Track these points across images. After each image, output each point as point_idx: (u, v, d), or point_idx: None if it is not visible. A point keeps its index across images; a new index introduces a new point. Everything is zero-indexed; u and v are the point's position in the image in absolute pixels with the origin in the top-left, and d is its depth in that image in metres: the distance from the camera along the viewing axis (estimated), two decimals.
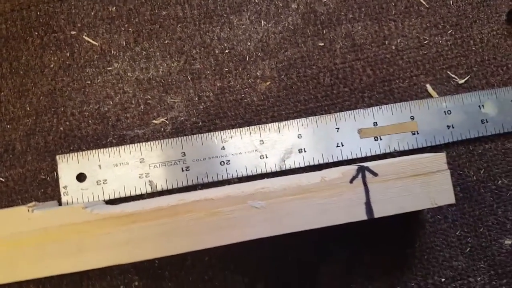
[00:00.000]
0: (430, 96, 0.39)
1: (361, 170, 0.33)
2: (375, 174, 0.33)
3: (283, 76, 0.38)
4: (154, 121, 0.37)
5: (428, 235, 0.37)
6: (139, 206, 0.32)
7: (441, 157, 0.33)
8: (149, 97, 0.37)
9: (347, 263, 0.37)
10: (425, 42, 0.39)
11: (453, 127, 0.38)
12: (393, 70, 0.39)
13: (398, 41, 0.39)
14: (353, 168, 0.33)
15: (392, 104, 0.38)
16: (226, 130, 0.37)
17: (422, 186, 0.33)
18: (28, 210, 0.31)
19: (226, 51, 0.38)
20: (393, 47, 0.39)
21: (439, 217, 0.38)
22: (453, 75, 0.39)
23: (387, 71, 0.39)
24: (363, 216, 0.32)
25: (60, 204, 0.36)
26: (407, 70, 0.39)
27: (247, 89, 0.38)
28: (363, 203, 0.32)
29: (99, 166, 0.36)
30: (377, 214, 0.32)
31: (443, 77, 0.39)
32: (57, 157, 0.36)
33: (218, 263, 0.36)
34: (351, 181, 0.32)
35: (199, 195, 0.32)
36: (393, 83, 0.39)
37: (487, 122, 0.38)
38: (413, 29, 0.39)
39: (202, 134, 0.37)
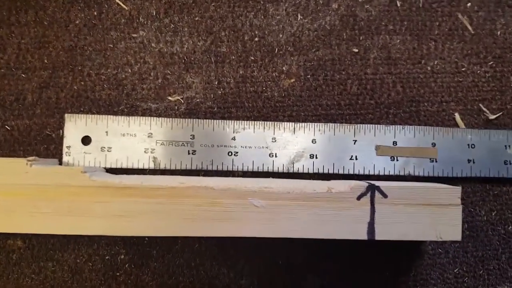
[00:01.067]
0: (456, 125, 0.37)
1: (371, 189, 0.31)
2: (385, 196, 0.31)
3: (309, 76, 0.37)
4: (169, 98, 0.36)
5: (425, 267, 0.36)
6: (138, 181, 0.31)
7: (457, 191, 0.32)
8: (168, 72, 0.36)
9: (337, 277, 0.36)
10: (463, 69, 0.37)
11: (473, 162, 0.36)
12: (423, 91, 0.37)
13: (435, 63, 0.37)
14: (363, 184, 0.31)
15: (415, 126, 0.37)
16: (240, 121, 0.36)
17: (430, 217, 0.31)
18: (27, 164, 0.31)
19: (256, 39, 0.37)
20: (429, 68, 0.37)
21: (440, 250, 0.36)
22: (484, 109, 0.37)
23: (417, 91, 0.37)
24: (363, 236, 0.31)
25: (60, 163, 0.35)
26: (438, 95, 0.37)
27: (269, 82, 0.37)
28: (366, 222, 0.31)
29: (106, 132, 0.35)
30: (379, 236, 0.31)
31: (474, 109, 0.37)
32: (66, 115, 0.35)
33: (207, 252, 0.35)
34: (358, 198, 0.31)
35: (200, 182, 0.31)
36: (421, 104, 0.37)
37: (510, 164, 0.36)
38: (453, 53, 0.38)
39: (215, 120, 0.36)
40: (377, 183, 0.32)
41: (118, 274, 0.35)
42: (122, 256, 0.35)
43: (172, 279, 0.35)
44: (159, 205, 0.30)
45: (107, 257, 0.35)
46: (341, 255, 0.36)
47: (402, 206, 0.31)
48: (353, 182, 0.32)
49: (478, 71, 0.38)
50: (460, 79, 0.37)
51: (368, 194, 0.31)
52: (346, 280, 0.36)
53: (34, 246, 0.35)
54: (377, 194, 0.31)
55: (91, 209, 0.30)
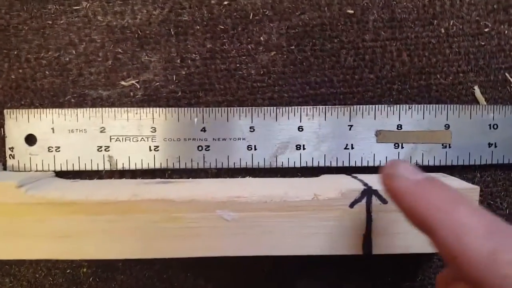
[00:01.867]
0: (475, 101, 0.30)
1: (367, 194, 0.26)
2: (384, 201, 0.26)
3: (293, 47, 0.30)
4: (123, 83, 0.30)
5: (434, 270, 0.31)
6: (82, 195, 0.26)
7: (474, 192, 0.26)
8: (120, 50, 0.30)
9: (332, 285, 0.31)
10: (486, 30, 0.30)
11: (495, 146, 0.30)
12: (436, 60, 0.30)
13: (450, 24, 0.30)
14: (357, 189, 0.26)
15: (425, 105, 0.30)
16: (210, 108, 0.30)
17: None
18: None
19: (225, 2, 0.30)
20: (442, 30, 0.30)
21: None
22: (511, 79, 0.30)
23: (428, 60, 0.30)
24: (358, 251, 0.26)
25: (5, 168, 0.30)
26: (454, 64, 0.30)
27: (244, 57, 0.30)
28: (361, 235, 0.26)
29: (52, 129, 0.29)
30: (376, 250, 0.26)
31: (499, 80, 0.30)
32: (5, 111, 0.29)
33: (180, 263, 0.31)
34: (351, 205, 0.26)
35: (157, 193, 0.26)
36: (432, 77, 0.30)
37: None
38: (473, 10, 0.30)
39: (180, 108, 0.30)
40: (375, 185, 0.26)
41: None
42: (85, 269, 0.31)
43: None
44: (108, 223, 0.25)
45: (68, 271, 0.31)
46: (335, 258, 0.31)
47: None
48: (345, 186, 0.26)
49: (506, 32, 0.30)
50: (482, 43, 0.30)
51: (363, 201, 0.26)
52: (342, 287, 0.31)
53: None
54: (374, 199, 0.26)
55: (32, 230, 0.26)
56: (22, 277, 0.31)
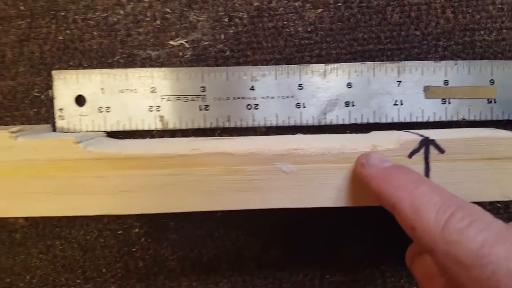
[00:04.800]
0: None
1: (425, 144, 0.26)
2: (441, 151, 0.26)
3: (340, 4, 0.30)
4: (172, 42, 0.30)
5: None
6: (141, 149, 0.26)
7: None
8: (168, 10, 0.30)
9: (372, 245, 0.32)
10: None
11: None
12: (480, 17, 0.30)
13: None
14: (415, 139, 0.26)
15: (470, 61, 0.30)
16: (259, 66, 0.30)
17: (494, 173, 0.26)
18: (11, 136, 0.26)
19: None
20: None
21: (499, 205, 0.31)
22: None
23: (471, 17, 0.30)
24: None
25: (54, 129, 0.30)
26: (497, 20, 0.30)
27: (291, 14, 0.30)
28: None
29: (102, 89, 0.30)
30: None
31: None
32: (53, 72, 0.30)
33: (231, 221, 0.31)
34: (410, 156, 0.26)
35: (216, 147, 0.26)
36: (476, 33, 0.30)
37: None
38: None
39: (228, 68, 0.30)
40: (431, 135, 0.26)
41: (134, 249, 0.31)
42: (137, 230, 0.31)
43: (195, 252, 0.31)
44: (168, 177, 0.26)
45: (119, 232, 0.31)
46: (375, 222, 0.31)
47: (462, 162, 0.26)
48: (403, 137, 0.26)
49: None
50: None
51: (422, 151, 0.26)
52: (381, 249, 0.32)
53: (38, 223, 0.31)
54: (432, 149, 0.26)
55: (90, 186, 0.26)
56: (72, 239, 0.32)
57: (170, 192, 0.26)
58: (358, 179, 0.25)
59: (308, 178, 0.26)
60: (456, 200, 0.20)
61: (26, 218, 0.32)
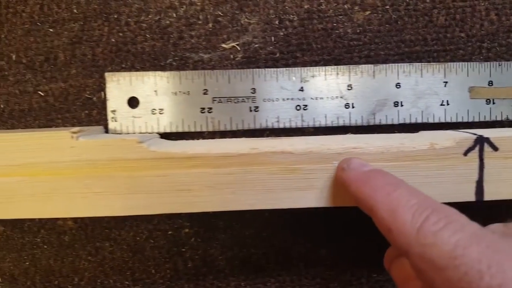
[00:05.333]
0: None
1: (480, 142, 0.26)
2: (495, 148, 0.26)
3: (388, 6, 0.31)
4: (223, 45, 0.30)
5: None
6: (203, 149, 0.26)
7: None
8: (220, 13, 0.30)
9: None
10: None
11: None
12: None
13: None
14: (470, 137, 0.26)
15: None
16: (308, 67, 0.30)
17: None
18: (72, 137, 0.26)
19: None
20: None
21: None
22: None
23: None
24: (470, 197, 0.27)
25: (106, 131, 0.30)
26: None
27: (341, 16, 0.30)
28: (474, 181, 0.27)
29: (155, 91, 0.30)
30: (488, 196, 0.27)
31: None
32: (106, 74, 0.30)
33: (280, 221, 0.31)
34: (465, 153, 0.26)
35: (274, 146, 0.26)
36: None
37: None
38: None
39: (278, 69, 0.30)
40: (485, 133, 0.26)
41: (183, 249, 0.32)
42: (187, 230, 0.31)
43: (244, 251, 0.32)
44: (229, 176, 0.26)
45: (169, 232, 0.31)
46: None
47: None
48: (459, 135, 0.26)
49: None
50: None
51: (476, 148, 0.26)
52: None
53: (87, 225, 0.32)
54: (486, 147, 0.26)
55: (151, 185, 0.26)
56: (122, 241, 0.32)
57: (231, 190, 0.26)
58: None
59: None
60: (432, 203, 0.20)
61: (75, 220, 0.32)
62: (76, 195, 0.26)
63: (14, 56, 0.30)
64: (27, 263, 0.32)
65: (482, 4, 0.31)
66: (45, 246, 0.32)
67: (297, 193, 0.26)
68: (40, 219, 0.32)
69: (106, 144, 0.26)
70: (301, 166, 0.26)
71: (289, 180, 0.26)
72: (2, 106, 0.31)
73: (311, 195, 0.26)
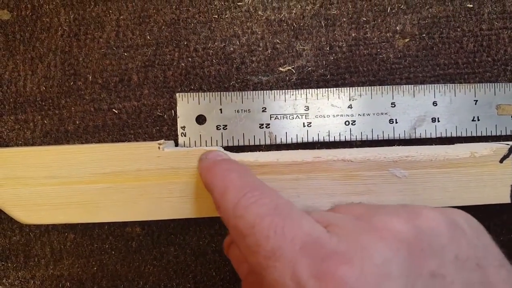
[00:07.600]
0: None
1: None
2: None
3: (424, 35, 0.35)
4: (280, 69, 0.34)
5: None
6: (273, 158, 0.30)
7: None
8: (277, 41, 0.34)
9: None
10: None
11: None
12: None
13: None
14: (505, 146, 0.30)
15: None
16: (356, 87, 0.34)
17: None
18: (159, 148, 0.29)
19: None
20: None
21: None
22: None
23: None
24: (506, 199, 0.30)
25: (176, 144, 0.34)
26: None
27: (384, 43, 0.35)
28: (509, 185, 0.30)
29: (220, 110, 0.34)
30: None
31: None
32: (177, 94, 0.33)
33: None
34: (501, 161, 0.30)
35: (335, 155, 0.30)
36: None
37: None
38: None
39: (329, 89, 0.34)
40: None
41: None
42: None
43: None
44: (294, 182, 0.29)
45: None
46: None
47: None
48: (495, 145, 0.30)
49: None
50: None
51: (511, 156, 0.30)
52: None
53: (154, 231, 0.35)
54: None
55: None
56: (186, 245, 0.35)
57: (296, 194, 0.29)
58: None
59: (418, 181, 0.30)
60: (254, 183, 0.23)
61: (142, 227, 0.35)
62: (160, 199, 0.29)
63: (90, 77, 0.34)
64: (95, 268, 0.35)
65: (505, 32, 0.35)
66: (113, 252, 0.35)
67: (355, 197, 0.30)
68: (109, 227, 0.35)
69: (187, 155, 0.29)
70: (360, 172, 0.30)
71: (348, 185, 0.30)
72: (77, 122, 0.34)
73: (369, 198, 0.30)
